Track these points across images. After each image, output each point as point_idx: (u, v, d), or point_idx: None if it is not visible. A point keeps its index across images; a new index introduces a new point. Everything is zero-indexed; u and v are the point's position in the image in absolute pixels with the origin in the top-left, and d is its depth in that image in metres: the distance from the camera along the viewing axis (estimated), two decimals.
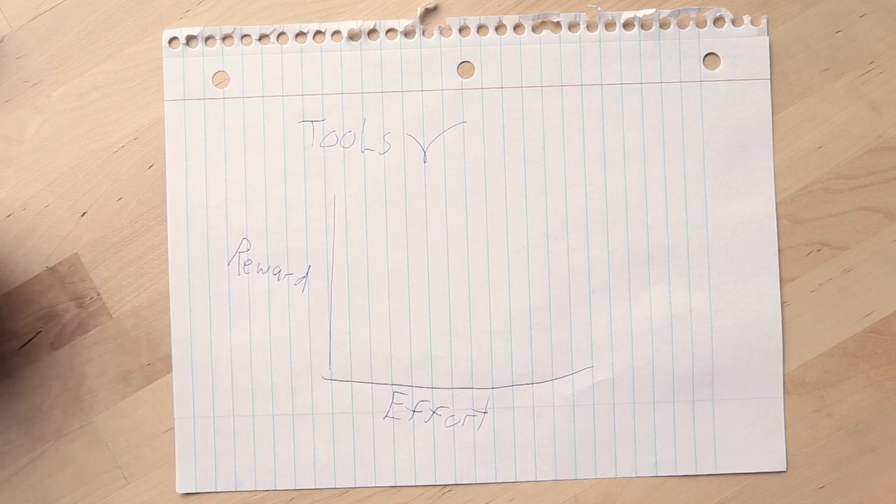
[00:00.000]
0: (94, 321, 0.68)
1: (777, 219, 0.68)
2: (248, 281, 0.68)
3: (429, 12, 0.69)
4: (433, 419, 0.68)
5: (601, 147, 0.68)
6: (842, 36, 0.69)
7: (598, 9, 0.69)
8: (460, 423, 0.68)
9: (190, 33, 0.69)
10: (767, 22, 0.69)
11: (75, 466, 0.68)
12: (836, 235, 0.69)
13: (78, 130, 0.69)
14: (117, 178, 0.69)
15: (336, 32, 0.69)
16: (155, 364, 0.68)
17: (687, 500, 0.68)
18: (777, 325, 0.68)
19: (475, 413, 0.68)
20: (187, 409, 0.68)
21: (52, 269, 0.68)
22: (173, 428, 0.68)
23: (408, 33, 0.69)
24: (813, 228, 0.69)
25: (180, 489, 0.68)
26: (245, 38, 0.69)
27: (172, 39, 0.69)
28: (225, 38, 0.69)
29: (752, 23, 0.69)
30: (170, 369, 0.68)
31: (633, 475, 0.68)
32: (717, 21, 0.69)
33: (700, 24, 0.69)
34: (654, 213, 0.68)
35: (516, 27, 0.69)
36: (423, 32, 0.69)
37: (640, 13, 0.68)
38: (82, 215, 0.69)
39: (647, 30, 0.69)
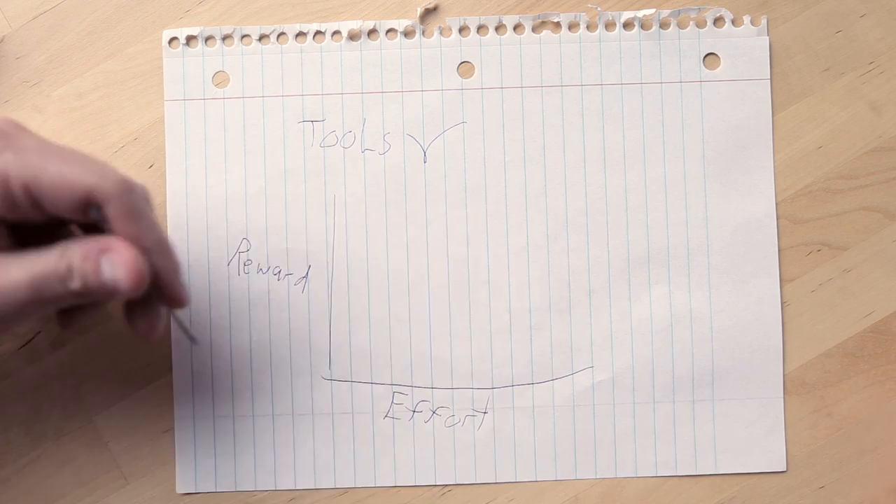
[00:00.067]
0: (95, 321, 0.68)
1: (777, 219, 0.68)
2: (248, 281, 0.68)
3: (429, 12, 0.69)
4: (433, 419, 0.68)
5: (601, 147, 0.68)
6: (842, 36, 0.69)
7: (598, 9, 0.69)
8: (460, 424, 0.68)
9: (190, 33, 0.69)
10: (767, 22, 0.69)
11: (75, 466, 0.68)
12: (836, 235, 0.69)
13: (78, 130, 0.69)
14: None
15: (336, 32, 0.69)
16: (155, 364, 0.68)
17: (687, 500, 0.68)
18: (777, 325, 0.68)
19: (475, 413, 0.68)
20: (187, 409, 0.68)
21: None
22: (173, 428, 0.68)
23: (408, 33, 0.69)
24: (813, 228, 0.69)
25: (180, 489, 0.68)
26: (245, 39, 0.69)
27: (172, 39, 0.69)
28: (225, 38, 0.69)
29: (752, 23, 0.69)
30: (170, 369, 0.68)
31: (633, 475, 0.68)
32: (717, 21, 0.69)
33: (700, 25, 0.69)
34: (654, 213, 0.68)
35: (516, 27, 0.69)
36: (423, 32, 0.69)
37: (640, 13, 0.68)
38: None
39: (647, 30, 0.69)
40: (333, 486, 0.68)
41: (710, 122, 0.68)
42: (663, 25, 0.69)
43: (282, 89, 0.69)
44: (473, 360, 0.68)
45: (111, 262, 0.53)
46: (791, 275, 0.68)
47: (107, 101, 0.69)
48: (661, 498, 0.68)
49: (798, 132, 0.69)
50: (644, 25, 0.69)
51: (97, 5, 0.69)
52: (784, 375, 0.68)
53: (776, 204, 0.68)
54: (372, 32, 0.69)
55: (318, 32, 0.69)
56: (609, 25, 0.69)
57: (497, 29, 0.69)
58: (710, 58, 0.69)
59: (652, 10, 0.68)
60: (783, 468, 0.68)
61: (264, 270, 0.68)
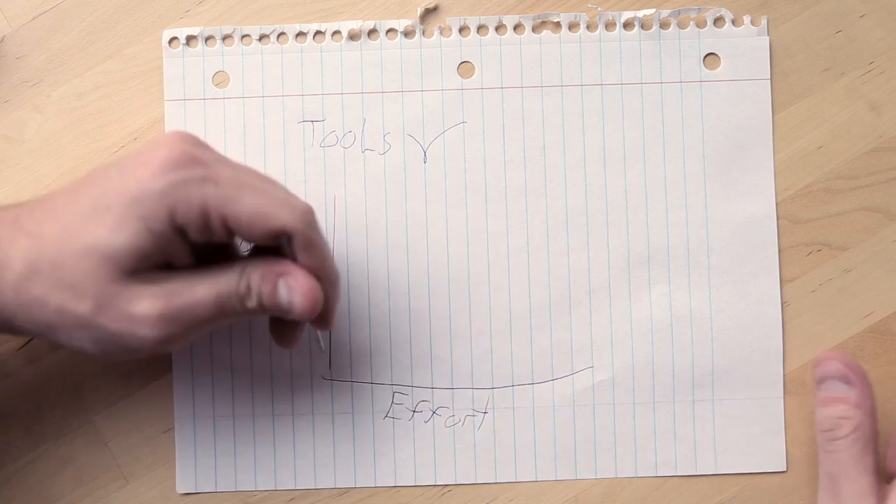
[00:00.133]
0: None
1: (777, 219, 0.68)
2: None
3: (429, 12, 0.69)
4: (433, 419, 0.68)
5: (601, 147, 0.68)
6: (842, 36, 0.69)
7: (599, 9, 0.69)
8: (460, 424, 0.68)
9: (190, 33, 0.69)
10: (767, 22, 0.69)
11: (75, 466, 0.68)
12: (836, 235, 0.69)
13: (78, 130, 0.69)
14: None
15: (336, 32, 0.69)
16: (155, 364, 0.68)
17: (687, 500, 0.68)
18: (777, 326, 0.68)
19: (475, 413, 0.68)
20: (187, 409, 0.68)
21: None
22: (173, 428, 0.68)
23: (408, 33, 0.69)
24: (813, 228, 0.69)
25: (180, 489, 0.68)
26: (245, 39, 0.69)
27: (172, 39, 0.69)
28: (225, 38, 0.69)
29: (753, 23, 0.69)
30: (170, 369, 0.68)
31: (633, 475, 0.68)
32: (718, 21, 0.69)
33: (700, 25, 0.69)
34: (654, 213, 0.68)
35: (516, 27, 0.69)
36: (424, 32, 0.69)
37: (641, 13, 0.68)
38: None
39: (648, 30, 0.69)
40: (333, 486, 0.68)
41: (710, 122, 0.68)
42: (663, 25, 0.69)
43: (282, 89, 0.69)
44: (473, 360, 0.68)
45: (288, 285, 0.57)
46: (791, 275, 0.68)
47: (107, 101, 0.69)
48: (661, 498, 0.68)
49: (798, 132, 0.69)
50: (644, 25, 0.69)
51: (97, 5, 0.69)
52: (784, 375, 0.68)
53: (776, 204, 0.68)
54: (372, 32, 0.69)
55: (318, 32, 0.69)
56: (609, 25, 0.69)
57: (497, 29, 0.69)
58: (710, 58, 0.69)
59: (652, 10, 0.68)
60: (783, 468, 0.68)
61: None
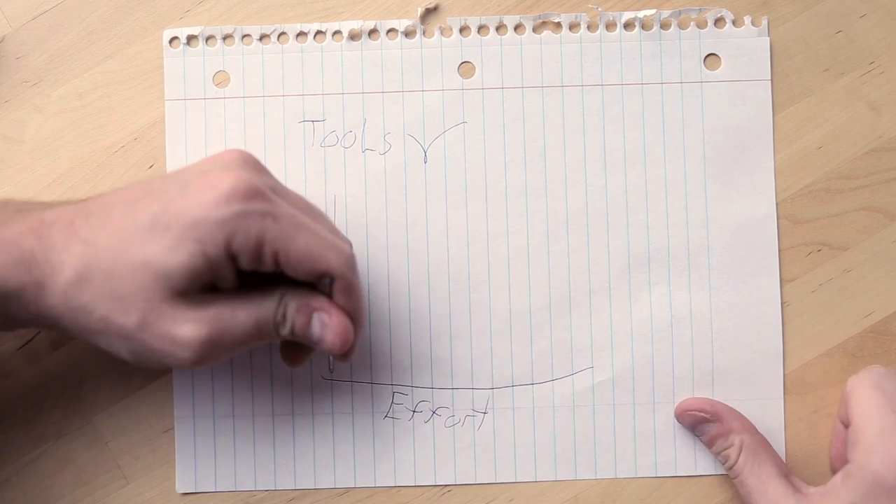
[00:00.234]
0: None
1: (777, 219, 0.68)
2: None
3: (429, 12, 0.69)
4: (433, 419, 0.68)
5: (601, 147, 0.68)
6: (842, 36, 0.69)
7: (599, 9, 0.69)
8: (460, 424, 0.68)
9: (191, 33, 0.69)
10: (768, 23, 0.69)
11: (75, 466, 0.68)
12: (836, 235, 0.69)
13: (78, 130, 0.69)
14: (117, 178, 0.69)
15: (337, 32, 0.69)
16: None
17: (687, 501, 0.68)
18: (777, 326, 0.68)
19: (475, 413, 0.68)
20: (187, 408, 0.68)
21: None
22: (173, 428, 0.68)
23: (408, 33, 0.69)
24: (813, 228, 0.69)
25: (180, 489, 0.68)
26: (246, 38, 0.69)
27: (173, 39, 0.69)
28: (226, 37, 0.69)
29: (753, 23, 0.69)
30: (170, 369, 0.68)
31: (633, 475, 0.68)
32: (718, 22, 0.69)
33: (701, 25, 0.69)
34: (655, 213, 0.68)
35: (517, 27, 0.69)
36: (424, 32, 0.69)
37: (641, 14, 0.68)
38: None
39: (648, 30, 0.69)
40: (333, 486, 0.68)
41: (711, 123, 0.68)
42: (664, 26, 0.69)
43: (282, 89, 0.69)
44: (473, 361, 0.68)
45: (321, 321, 0.59)
46: (791, 275, 0.68)
47: (107, 101, 0.69)
48: (661, 498, 0.68)
49: (798, 132, 0.69)
50: (645, 26, 0.69)
51: (97, 5, 0.69)
52: (784, 375, 0.68)
53: (776, 204, 0.68)
54: (373, 32, 0.69)
55: (318, 32, 0.69)
56: (610, 26, 0.69)
57: (498, 29, 0.69)
58: (710, 58, 0.69)
59: (653, 11, 0.68)
60: None
61: None
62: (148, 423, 0.68)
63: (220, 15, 0.69)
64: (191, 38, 0.69)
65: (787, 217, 0.68)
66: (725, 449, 0.65)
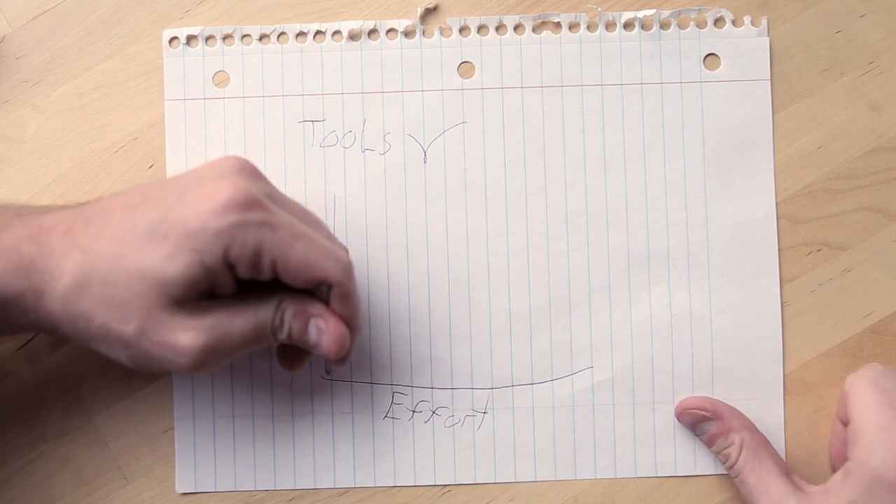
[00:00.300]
0: None
1: (777, 219, 0.68)
2: None
3: (429, 12, 0.69)
4: (433, 419, 0.68)
5: (601, 147, 0.68)
6: (842, 36, 0.69)
7: (599, 9, 0.69)
8: (460, 424, 0.68)
9: (190, 33, 0.69)
10: (768, 23, 0.69)
11: (75, 466, 0.68)
12: (836, 235, 0.69)
13: (78, 130, 0.69)
14: (117, 178, 0.69)
15: (336, 32, 0.69)
16: None
17: (687, 501, 0.68)
18: (777, 327, 0.68)
19: (475, 413, 0.68)
20: (187, 409, 0.68)
21: None
22: (173, 428, 0.68)
23: (408, 33, 0.69)
24: (813, 228, 0.69)
25: (180, 489, 0.68)
26: (245, 38, 0.69)
27: (173, 39, 0.69)
28: (225, 37, 0.69)
29: (753, 23, 0.69)
30: (170, 373, 0.68)
31: (633, 475, 0.68)
32: (718, 22, 0.69)
33: (700, 25, 0.69)
34: (654, 213, 0.68)
35: (517, 27, 0.69)
36: (424, 32, 0.69)
37: (641, 14, 0.68)
38: None
39: (648, 30, 0.69)
40: (333, 486, 0.68)
41: (711, 123, 0.68)
42: (664, 26, 0.69)
43: (282, 89, 0.69)
44: (473, 361, 0.68)
45: (318, 327, 0.60)
46: (791, 275, 0.68)
47: (107, 101, 0.69)
48: (661, 498, 0.68)
49: (798, 132, 0.69)
50: (644, 26, 0.69)
51: (97, 5, 0.69)
52: (784, 375, 0.68)
53: (776, 204, 0.68)
54: (372, 32, 0.69)
55: (318, 32, 0.69)
56: (609, 26, 0.69)
57: (497, 29, 0.69)
58: (710, 58, 0.69)
59: (652, 11, 0.68)
60: None
61: None
62: (148, 423, 0.68)
63: (220, 15, 0.69)
64: (191, 38, 0.69)
65: (787, 217, 0.68)
66: (726, 447, 0.65)
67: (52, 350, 0.68)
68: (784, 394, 0.68)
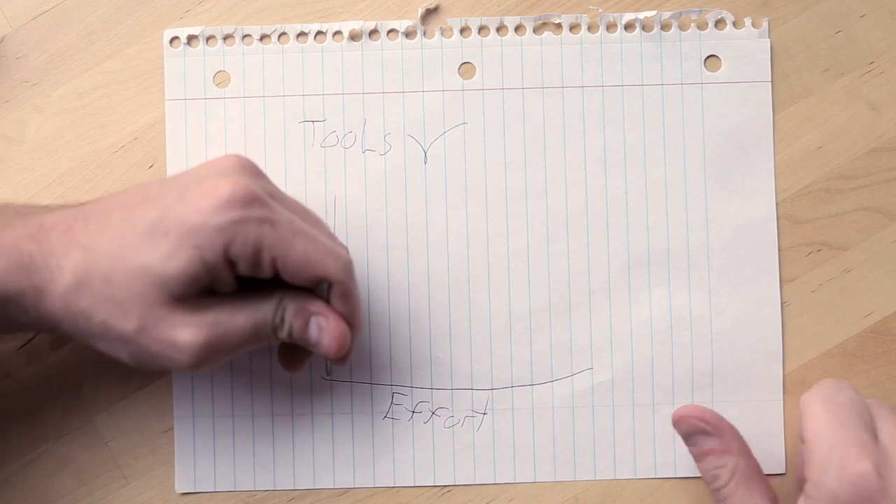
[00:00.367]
0: None
1: (777, 219, 0.68)
2: None
3: (430, 13, 0.69)
4: (432, 420, 0.68)
5: (602, 148, 0.68)
6: (842, 36, 0.69)
7: (600, 10, 0.69)
8: (459, 424, 0.68)
9: (191, 33, 0.69)
10: (769, 25, 0.69)
11: (75, 466, 0.68)
12: (836, 235, 0.69)
13: (78, 130, 0.69)
14: (117, 178, 0.69)
15: (337, 33, 0.69)
16: None
17: (686, 502, 0.68)
18: (777, 327, 0.68)
19: (474, 414, 0.68)
20: (187, 409, 0.68)
21: None
22: (173, 428, 0.68)
23: (409, 34, 0.69)
24: (813, 228, 0.69)
25: (179, 489, 0.68)
26: (246, 38, 0.69)
27: (173, 39, 0.69)
28: (226, 37, 0.69)
29: (754, 25, 0.69)
30: (170, 371, 0.68)
31: (633, 476, 0.68)
32: (719, 23, 0.69)
33: (701, 26, 0.69)
34: (655, 214, 0.68)
35: (517, 28, 0.69)
36: (425, 33, 0.69)
37: (642, 15, 0.68)
38: None
39: (649, 31, 0.69)
40: (333, 487, 0.68)
41: (711, 124, 0.68)
42: (664, 27, 0.68)
43: (283, 89, 0.69)
44: (473, 361, 0.68)
45: (318, 325, 0.60)
46: (791, 275, 0.68)
47: (107, 101, 0.69)
48: (660, 499, 0.68)
49: (798, 132, 0.69)
50: (645, 27, 0.69)
51: (97, 5, 0.69)
52: (784, 376, 0.68)
53: (776, 204, 0.68)
54: (373, 33, 0.69)
55: (319, 32, 0.69)
56: (610, 27, 0.69)
57: (498, 30, 0.69)
58: (711, 60, 0.69)
59: (653, 12, 0.68)
60: (782, 471, 0.68)
61: None
62: (148, 423, 0.68)
63: (221, 15, 0.69)
64: (191, 38, 0.69)
65: (787, 217, 0.68)
66: (718, 468, 0.63)
67: (52, 349, 0.68)
68: (784, 394, 0.68)
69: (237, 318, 0.58)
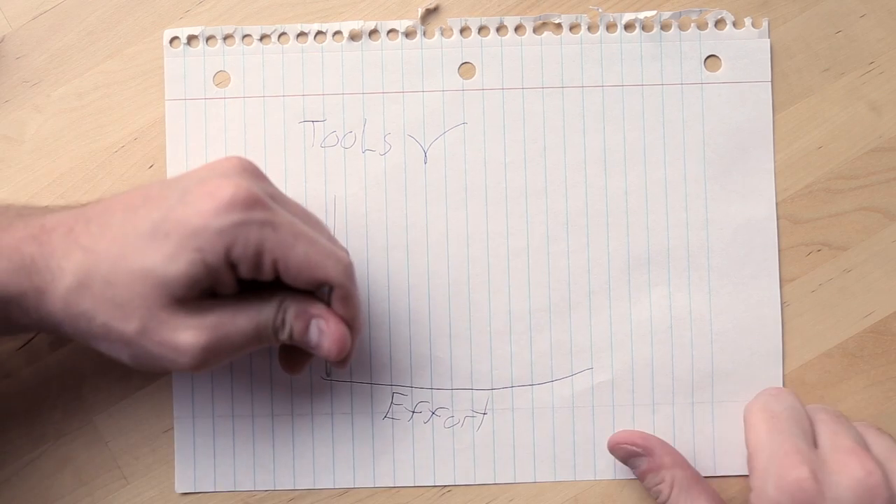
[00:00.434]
0: None
1: (777, 219, 0.68)
2: None
3: (430, 13, 0.69)
4: (432, 420, 0.68)
5: (602, 148, 0.68)
6: (842, 36, 0.69)
7: (600, 10, 0.69)
8: (459, 424, 0.68)
9: (191, 33, 0.69)
10: (769, 25, 0.69)
11: (75, 466, 0.68)
12: (836, 235, 0.69)
13: (78, 130, 0.69)
14: (117, 178, 0.69)
15: (337, 33, 0.69)
16: None
17: None
18: (777, 328, 0.68)
19: (474, 414, 0.68)
20: (187, 409, 0.68)
21: None
22: (173, 428, 0.68)
23: (409, 34, 0.69)
24: (813, 228, 0.69)
25: (179, 489, 0.68)
26: (246, 38, 0.69)
27: (173, 39, 0.69)
28: (226, 37, 0.69)
29: (754, 25, 0.69)
30: (170, 371, 0.68)
31: (633, 476, 0.68)
32: (719, 23, 0.69)
33: (701, 26, 0.69)
34: (655, 214, 0.68)
35: (517, 28, 0.69)
36: (425, 33, 0.69)
37: (642, 15, 0.68)
38: None
39: (649, 31, 0.69)
40: (333, 487, 0.68)
41: (711, 124, 0.68)
42: (664, 27, 0.68)
43: (283, 89, 0.69)
44: (473, 362, 0.68)
45: (319, 328, 0.60)
46: (791, 275, 0.68)
47: (107, 101, 0.69)
48: None
49: (798, 132, 0.69)
50: (645, 27, 0.69)
51: (97, 5, 0.69)
52: (784, 376, 0.68)
53: (776, 204, 0.68)
54: (373, 33, 0.69)
55: (319, 32, 0.69)
56: (610, 27, 0.69)
57: (498, 30, 0.69)
58: (711, 60, 0.69)
59: (653, 12, 0.68)
60: None
61: None
62: (148, 423, 0.68)
63: (221, 15, 0.69)
64: (191, 38, 0.69)
65: (787, 217, 0.68)
66: (657, 484, 0.65)
67: (52, 350, 0.68)
68: None
69: (238, 321, 0.58)
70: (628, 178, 0.68)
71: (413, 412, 0.68)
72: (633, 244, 0.68)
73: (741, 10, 0.69)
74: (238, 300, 0.59)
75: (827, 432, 0.62)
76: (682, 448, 0.67)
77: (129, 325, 0.56)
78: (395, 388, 0.68)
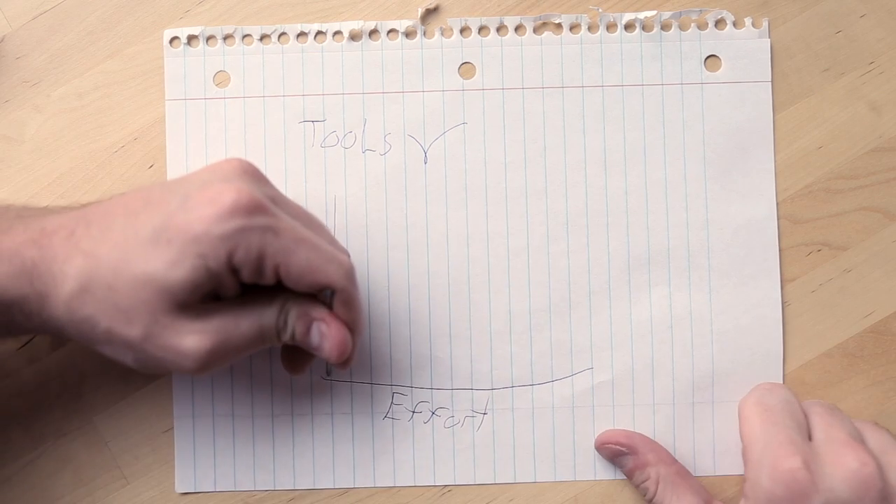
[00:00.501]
0: None
1: (777, 219, 0.68)
2: None
3: (430, 13, 0.69)
4: (432, 420, 0.68)
5: (602, 148, 0.68)
6: (842, 36, 0.69)
7: (600, 10, 0.69)
8: (459, 424, 0.68)
9: (191, 33, 0.69)
10: (769, 25, 0.69)
11: (75, 466, 0.68)
12: (836, 235, 0.69)
13: (78, 130, 0.69)
14: (117, 178, 0.69)
15: (337, 33, 0.69)
16: None
17: None
18: (777, 329, 0.68)
19: (474, 414, 0.68)
20: (187, 409, 0.68)
21: None
22: (173, 428, 0.68)
23: (409, 34, 0.69)
24: (813, 228, 0.69)
25: (179, 489, 0.68)
26: (246, 38, 0.69)
27: (174, 39, 0.69)
28: (226, 37, 0.69)
29: (754, 25, 0.69)
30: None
31: None
32: (719, 23, 0.69)
33: (701, 26, 0.69)
34: (655, 214, 0.68)
35: (517, 28, 0.69)
36: (425, 33, 0.69)
37: (642, 15, 0.68)
38: None
39: (649, 31, 0.69)
40: (333, 487, 0.68)
41: (711, 124, 0.68)
42: (665, 27, 0.68)
43: (283, 89, 0.69)
44: (473, 361, 0.68)
45: (320, 331, 0.60)
46: (791, 275, 0.68)
47: (107, 101, 0.69)
48: None
49: (798, 132, 0.69)
50: (645, 27, 0.69)
51: (97, 5, 0.69)
52: (784, 376, 0.68)
53: (776, 204, 0.68)
54: (373, 33, 0.69)
55: (319, 32, 0.69)
56: (610, 27, 0.69)
57: (498, 30, 0.69)
58: (711, 60, 0.68)
59: (653, 12, 0.68)
60: None
61: None
62: (148, 423, 0.68)
63: (221, 15, 0.69)
64: (191, 38, 0.69)
65: (787, 217, 0.68)
66: (643, 481, 0.66)
67: (52, 350, 0.68)
68: None
69: (241, 324, 0.58)
70: (628, 178, 0.68)
71: (413, 412, 0.68)
72: (634, 244, 0.68)
73: (741, 10, 0.69)
74: (240, 303, 0.59)
75: (821, 425, 0.62)
76: (683, 448, 0.67)
77: (132, 331, 0.56)
78: (395, 388, 0.68)
